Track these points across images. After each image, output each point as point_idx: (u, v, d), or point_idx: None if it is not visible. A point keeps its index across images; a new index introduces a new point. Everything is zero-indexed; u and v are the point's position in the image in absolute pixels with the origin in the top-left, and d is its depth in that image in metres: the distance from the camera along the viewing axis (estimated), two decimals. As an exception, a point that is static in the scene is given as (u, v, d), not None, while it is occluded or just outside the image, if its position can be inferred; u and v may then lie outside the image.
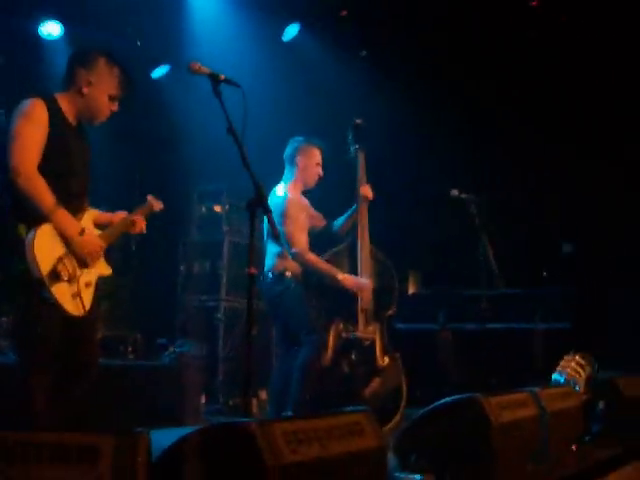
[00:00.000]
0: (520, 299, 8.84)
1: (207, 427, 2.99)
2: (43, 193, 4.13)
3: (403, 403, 6.40)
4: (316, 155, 6.68)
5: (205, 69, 4.15)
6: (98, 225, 4.67)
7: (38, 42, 9.40)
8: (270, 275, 6.40)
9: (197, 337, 8.79)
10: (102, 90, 4.50)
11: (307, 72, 9.51)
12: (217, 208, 9.40)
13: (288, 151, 6.70)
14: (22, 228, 4.10)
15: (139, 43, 9.68)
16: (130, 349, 8.34)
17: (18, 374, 4.25)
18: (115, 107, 4.60)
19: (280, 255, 6.39)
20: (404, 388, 6.44)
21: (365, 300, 6.39)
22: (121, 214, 4.83)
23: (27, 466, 2.44)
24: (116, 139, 8.82)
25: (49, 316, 4.14)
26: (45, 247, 4.09)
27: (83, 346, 4.46)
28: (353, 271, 6.44)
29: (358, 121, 6.70)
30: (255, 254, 4.08)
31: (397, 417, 6.27)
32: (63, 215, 4.20)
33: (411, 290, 9.72)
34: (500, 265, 7.25)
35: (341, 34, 9.45)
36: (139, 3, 8.97)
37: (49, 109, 4.28)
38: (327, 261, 6.44)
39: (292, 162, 6.67)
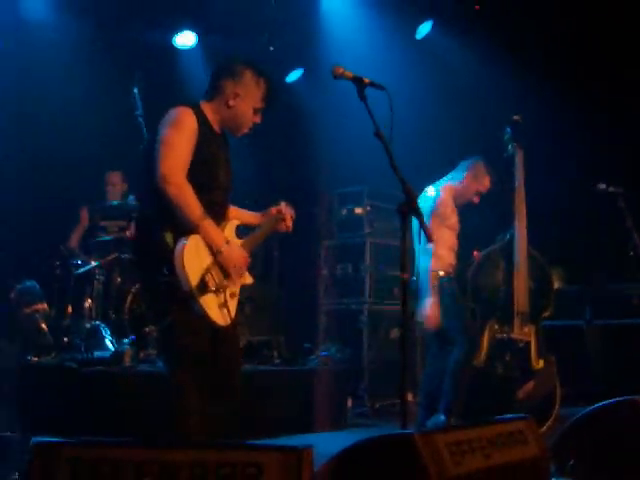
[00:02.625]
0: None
1: (367, 439, 2.91)
2: (192, 203, 4.11)
3: (557, 407, 6.23)
4: (484, 183, 6.75)
5: (349, 73, 4.05)
6: (244, 226, 4.70)
7: (173, 53, 9.59)
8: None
9: (341, 341, 8.78)
10: (248, 103, 4.48)
11: (442, 69, 9.39)
12: (358, 210, 9.39)
13: (465, 163, 6.80)
14: (169, 236, 4.10)
15: (272, 48, 9.75)
16: (275, 354, 8.41)
17: (169, 384, 4.24)
18: (258, 119, 4.57)
19: (430, 254, 6.36)
20: (558, 392, 6.27)
21: (521, 301, 6.26)
22: (268, 213, 4.83)
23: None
24: (254, 145, 8.92)
25: (198, 328, 4.15)
26: (194, 258, 4.08)
27: (228, 355, 4.44)
28: (509, 270, 6.32)
29: (516, 117, 6.55)
30: (407, 257, 3.95)
31: (550, 421, 6.12)
32: (210, 226, 4.18)
33: (555, 286, 9.49)
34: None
35: (475, 29, 9.31)
36: (270, 9, 9.05)
37: (197, 118, 4.29)
38: (482, 260, 6.37)
39: (461, 173, 6.76)
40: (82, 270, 7.61)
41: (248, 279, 4.54)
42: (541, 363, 6.31)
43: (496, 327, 6.24)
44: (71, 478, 2.47)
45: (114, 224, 8.18)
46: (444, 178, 6.79)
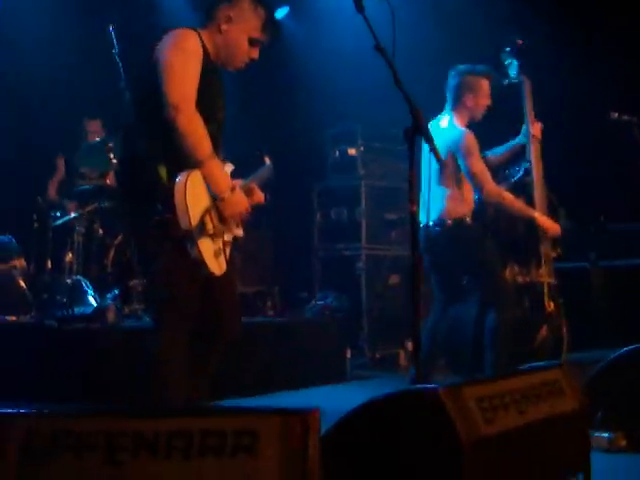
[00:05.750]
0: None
1: (382, 396, 2.51)
2: (202, 137, 3.65)
3: (565, 349, 5.85)
4: (485, 87, 5.89)
5: (346, -17, 3.62)
6: None
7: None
8: (448, 221, 5.70)
9: (338, 289, 8.46)
10: (242, 29, 3.99)
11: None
12: (351, 151, 8.98)
13: (452, 84, 5.91)
14: (162, 170, 3.65)
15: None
16: (269, 305, 8.21)
17: (155, 336, 3.81)
18: (255, 54, 4.07)
19: (453, 198, 5.72)
20: (566, 336, 5.87)
21: (545, 243, 5.89)
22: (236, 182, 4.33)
23: (172, 460, 2.02)
24: (242, 84, 8.58)
25: (191, 275, 3.70)
26: (194, 195, 3.62)
27: (224, 306, 4.02)
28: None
29: (520, 41, 6.02)
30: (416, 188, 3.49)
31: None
32: (217, 167, 3.74)
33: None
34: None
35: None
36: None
37: (201, 42, 3.85)
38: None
39: (458, 98, 5.88)
40: (60, 222, 7.24)
41: (240, 231, 4.08)
42: (552, 306, 5.94)
43: (516, 269, 5.84)
44: (25, 454, 2.05)
45: (93, 170, 7.83)
46: (452, 106, 5.93)
